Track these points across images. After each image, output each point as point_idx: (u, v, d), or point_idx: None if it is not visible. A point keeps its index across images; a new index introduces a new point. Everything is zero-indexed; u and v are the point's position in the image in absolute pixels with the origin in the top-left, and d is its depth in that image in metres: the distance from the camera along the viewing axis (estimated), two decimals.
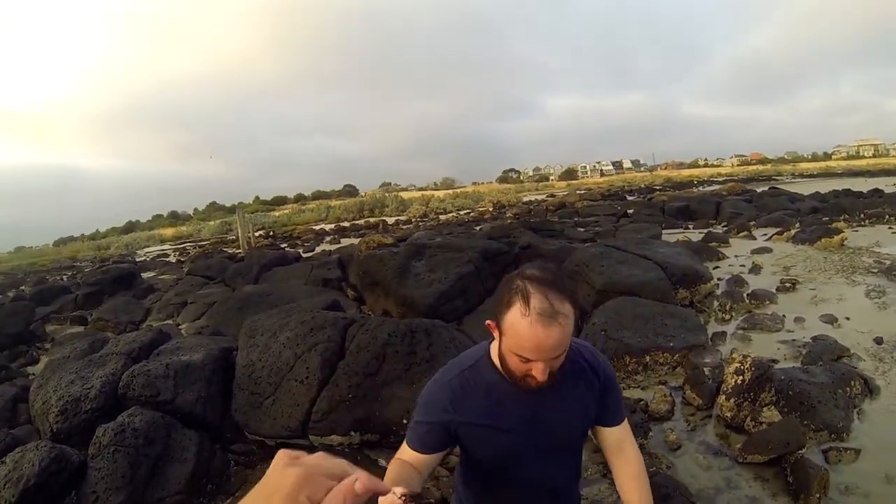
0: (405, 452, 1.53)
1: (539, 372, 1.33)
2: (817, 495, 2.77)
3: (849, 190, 17.78)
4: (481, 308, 6.56)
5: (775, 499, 2.89)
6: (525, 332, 1.28)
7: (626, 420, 1.68)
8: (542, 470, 1.58)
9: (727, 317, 5.84)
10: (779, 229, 10.55)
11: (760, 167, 60.85)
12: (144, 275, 14.80)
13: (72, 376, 4.54)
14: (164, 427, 3.82)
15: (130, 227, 52.50)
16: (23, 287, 16.49)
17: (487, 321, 1.45)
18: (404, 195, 47.63)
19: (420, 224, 25.46)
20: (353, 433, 3.92)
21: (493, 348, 1.51)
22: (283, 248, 17.44)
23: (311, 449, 3.86)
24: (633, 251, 6.89)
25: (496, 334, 1.42)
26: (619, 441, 1.65)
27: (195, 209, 63.42)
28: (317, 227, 29.84)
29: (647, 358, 4.64)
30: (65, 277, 18.48)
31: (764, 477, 3.06)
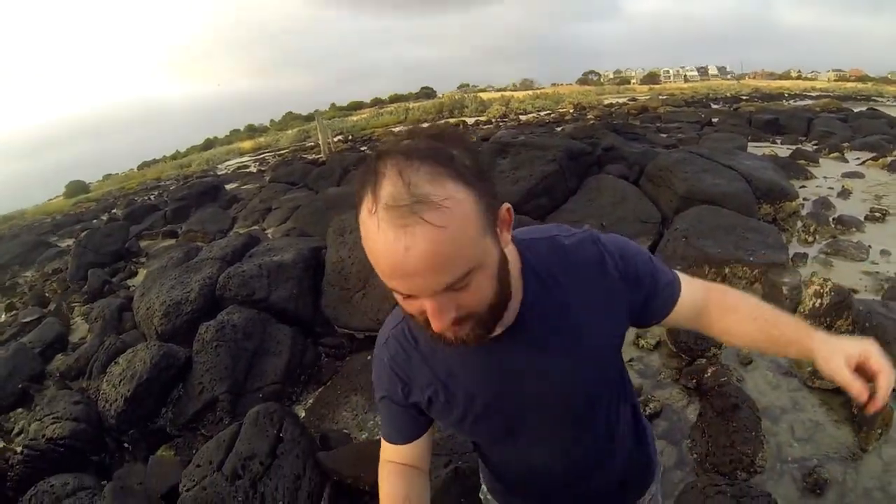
0: (387, 450, 1.18)
1: (431, 316, 0.80)
2: (879, 430, 2.80)
3: None
4: (564, 207, 6.53)
5: (837, 426, 2.93)
6: (375, 245, 0.75)
7: (683, 283, 1.12)
8: (566, 439, 1.14)
9: (810, 239, 5.68)
10: (874, 154, 9.84)
11: (860, 85, 54.88)
12: (227, 186, 15.42)
13: (172, 282, 4.95)
14: (260, 323, 4.14)
15: (209, 144, 54.14)
16: (114, 210, 17.67)
17: None
18: (483, 96, 46.63)
19: (500, 124, 25.03)
20: None
21: None
22: (363, 151, 17.66)
23: None
24: (717, 160, 6.71)
25: None
26: (693, 306, 1.13)
27: (271, 120, 64.52)
28: (396, 130, 29.89)
29: (727, 270, 4.60)
30: (152, 197, 19.51)
31: (829, 404, 3.09)
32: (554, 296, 0.99)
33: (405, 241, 0.72)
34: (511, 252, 0.93)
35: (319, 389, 3.90)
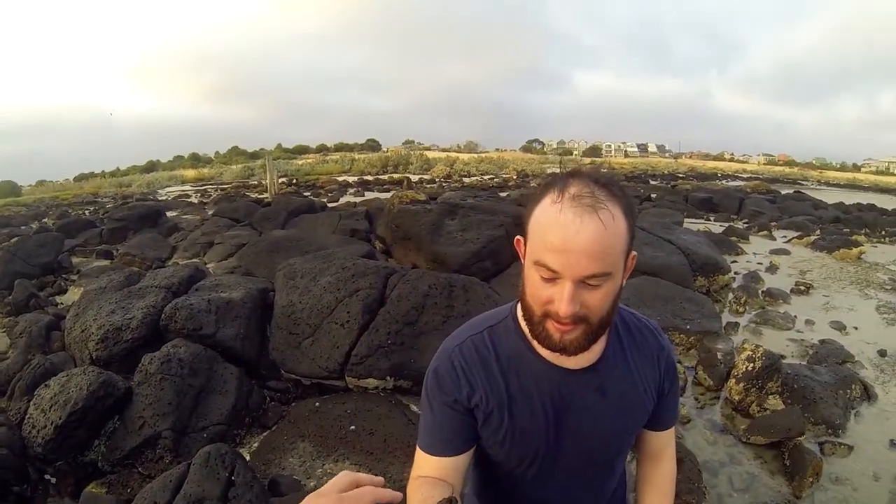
0: (424, 464, 1.16)
1: (564, 299, 0.92)
2: (810, 479, 3.07)
3: (873, 205, 17.98)
4: (508, 272, 6.69)
5: (772, 477, 3.20)
6: (551, 222, 0.92)
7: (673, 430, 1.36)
8: (571, 488, 1.24)
9: (741, 309, 6.16)
10: (799, 233, 10.98)
11: (787, 169, 60.67)
12: (168, 214, 14.94)
13: (112, 306, 4.70)
14: (207, 359, 3.98)
15: (151, 167, 52.48)
16: (45, 220, 16.76)
17: (517, 237, 1.07)
18: (428, 154, 47.35)
19: (444, 185, 25.38)
20: (388, 378, 4.07)
21: (521, 308, 1.10)
22: (308, 197, 17.51)
23: (346, 390, 4.02)
24: (657, 234, 7.23)
25: (521, 251, 1.04)
26: (661, 447, 1.34)
27: (216, 152, 63.15)
28: (340, 179, 29.89)
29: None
30: (87, 212, 18.66)
31: (763, 458, 3.38)
32: (625, 358, 1.16)
33: (579, 224, 0.90)
34: None
35: (265, 433, 3.76)
